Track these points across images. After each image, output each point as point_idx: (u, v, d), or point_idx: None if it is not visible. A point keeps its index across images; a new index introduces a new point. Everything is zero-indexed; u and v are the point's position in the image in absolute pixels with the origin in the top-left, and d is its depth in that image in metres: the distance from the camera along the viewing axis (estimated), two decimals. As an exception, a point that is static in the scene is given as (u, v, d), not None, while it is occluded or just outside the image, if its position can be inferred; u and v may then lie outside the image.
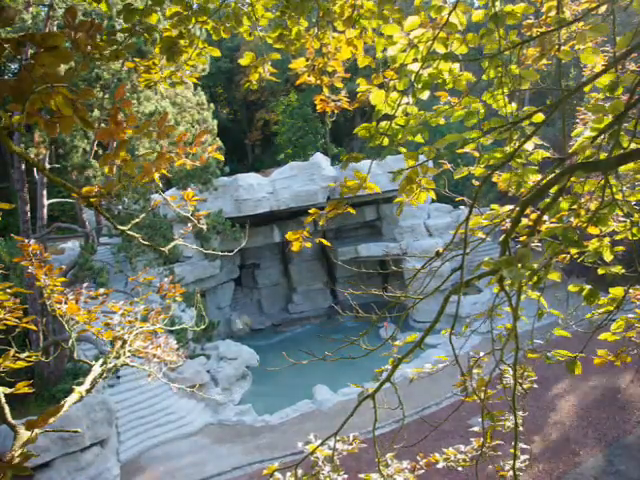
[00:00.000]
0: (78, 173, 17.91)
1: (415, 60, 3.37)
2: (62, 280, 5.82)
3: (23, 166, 18.29)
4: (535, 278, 3.20)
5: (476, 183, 3.86)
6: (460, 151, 3.67)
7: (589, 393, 17.51)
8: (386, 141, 3.46)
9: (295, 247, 3.78)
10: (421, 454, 4.30)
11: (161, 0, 3.11)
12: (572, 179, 3.37)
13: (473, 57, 3.67)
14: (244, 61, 3.73)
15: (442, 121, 3.69)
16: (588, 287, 3.49)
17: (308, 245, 3.70)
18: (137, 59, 3.46)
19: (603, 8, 3.89)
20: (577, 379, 17.97)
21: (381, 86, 3.48)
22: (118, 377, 19.23)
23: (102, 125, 15.50)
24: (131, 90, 17.95)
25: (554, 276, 3.17)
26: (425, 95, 3.46)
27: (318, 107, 4.59)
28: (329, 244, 4.29)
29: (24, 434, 3.77)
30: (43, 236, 18.94)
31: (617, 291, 3.73)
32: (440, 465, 4.32)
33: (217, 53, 3.62)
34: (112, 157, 2.66)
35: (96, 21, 2.37)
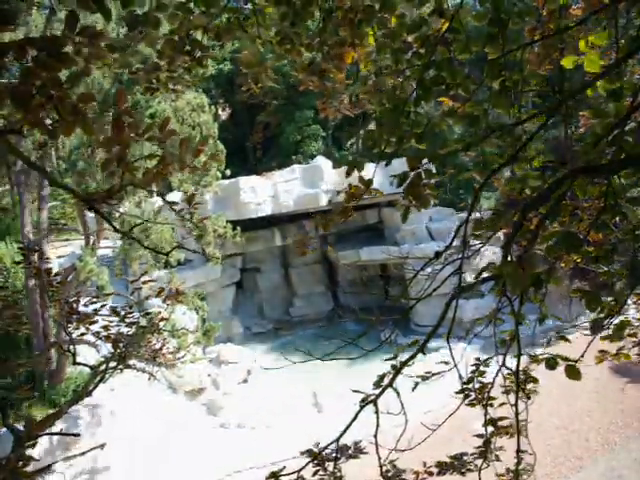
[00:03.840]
0: (79, 176, 17.91)
1: (417, 65, 3.37)
2: (62, 283, 5.81)
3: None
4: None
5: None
6: (471, 153, 3.66)
7: (591, 397, 17.45)
8: (389, 147, 3.45)
9: (301, 252, 3.78)
10: (424, 461, 4.28)
11: (164, 6, 3.11)
12: (575, 183, 3.35)
13: (475, 60, 3.67)
14: (244, 66, 3.73)
15: (444, 126, 3.68)
16: (589, 292, 3.48)
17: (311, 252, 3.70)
18: (138, 66, 3.46)
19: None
20: (578, 383, 17.91)
21: (382, 90, 3.48)
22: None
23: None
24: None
25: (554, 283, 3.16)
26: (429, 101, 3.45)
27: (321, 112, 4.59)
28: (332, 250, 4.30)
29: (25, 438, 3.76)
30: (44, 239, 18.92)
31: (618, 295, 3.71)
32: (443, 471, 4.30)
33: (216, 58, 3.62)
34: (113, 161, 2.66)
35: (98, 27, 2.37)
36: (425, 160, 3.42)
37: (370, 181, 3.40)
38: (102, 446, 16.14)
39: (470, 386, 4.19)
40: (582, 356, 3.47)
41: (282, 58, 3.89)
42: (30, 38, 2.13)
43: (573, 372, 3.14)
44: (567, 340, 3.66)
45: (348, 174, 3.48)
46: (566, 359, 3.22)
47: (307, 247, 3.63)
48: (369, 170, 3.89)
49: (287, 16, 3.45)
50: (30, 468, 3.72)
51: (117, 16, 15.18)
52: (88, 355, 19.03)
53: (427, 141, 3.49)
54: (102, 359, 5.80)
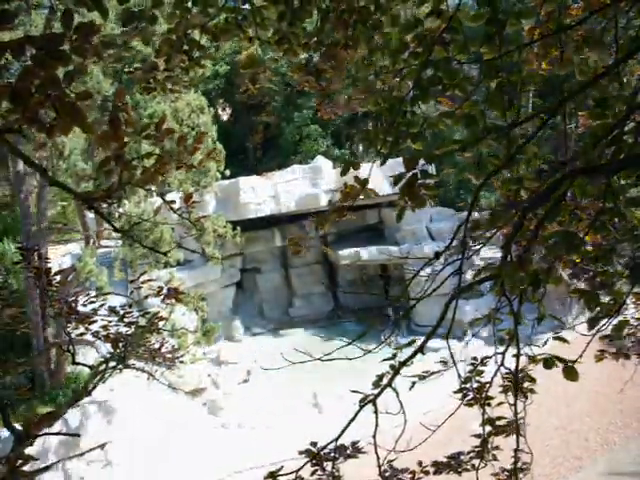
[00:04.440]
0: (79, 176, 17.93)
1: (414, 65, 3.36)
2: (62, 283, 5.81)
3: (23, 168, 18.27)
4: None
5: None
6: (468, 154, 3.66)
7: (590, 398, 17.45)
8: (385, 147, 3.45)
9: (296, 251, 3.78)
10: (422, 461, 4.27)
11: (161, 2, 3.11)
12: (574, 184, 3.35)
13: (473, 60, 3.66)
14: (243, 65, 3.74)
15: (442, 126, 3.67)
16: (588, 291, 3.47)
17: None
18: (136, 65, 3.46)
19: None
20: (578, 383, 17.90)
21: (374, 92, 3.47)
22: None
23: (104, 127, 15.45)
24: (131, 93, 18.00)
25: (553, 282, 3.15)
26: (426, 102, 3.45)
27: (319, 113, 4.58)
28: (331, 251, 4.32)
29: (24, 437, 3.76)
30: (44, 239, 18.93)
31: (618, 294, 3.71)
32: (439, 470, 4.30)
33: (215, 58, 3.62)
34: (111, 159, 2.66)
35: (96, 23, 2.37)
36: (422, 160, 3.42)
37: (366, 180, 3.40)
38: (103, 446, 16.13)
39: (468, 386, 4.19)
40: (580, 357, 3.46)
41: (278, 60, 3.90)
42: (28, 37, 2.13)
43: (571, 373, 3.14)
44: (565, 341, 3.65)
45: (343, 173, 3.48)
46: (564, 360, 3.22)
47: (302, 246, 3.61)
48: (367, 170, 3.89)
49: (285, 16, 3.45)
50: (29, 468, 3.71)
51: (116, 16, 15.22)
52: (88, 355, 19.05)
53: (424, 141, 3.48)
54: (102, 359, 5.79)
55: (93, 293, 6.07)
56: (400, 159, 3.35)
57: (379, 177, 22.75)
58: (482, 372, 4.22)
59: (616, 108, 3.42)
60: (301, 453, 3.79)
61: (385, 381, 3.78)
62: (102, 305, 5.79)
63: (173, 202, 3.58)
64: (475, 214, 3.79)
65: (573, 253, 3.35)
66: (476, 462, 4.22)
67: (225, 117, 42.87)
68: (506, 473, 4.28)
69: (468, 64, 3.54)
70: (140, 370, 6.53)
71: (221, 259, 22.08)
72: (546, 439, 15.19)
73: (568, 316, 21.08)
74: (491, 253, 22.71)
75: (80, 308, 5.78)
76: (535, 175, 3.77)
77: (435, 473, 4.28)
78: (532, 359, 3.69)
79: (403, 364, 3.75)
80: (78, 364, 6.40)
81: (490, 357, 4.03)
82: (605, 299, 3.58)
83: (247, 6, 3.56)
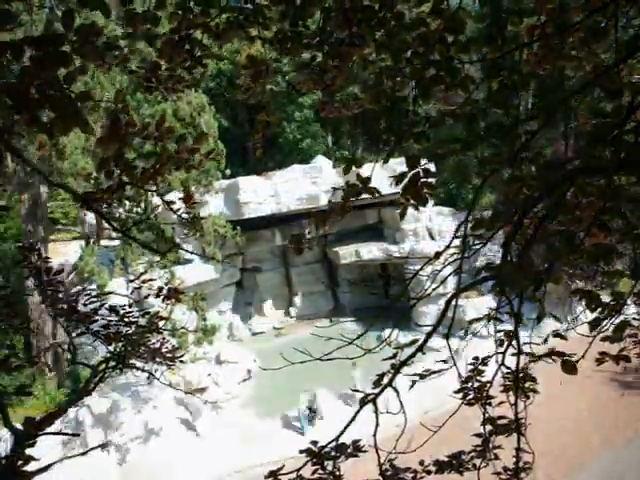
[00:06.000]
0: (80, 175, 17.94)
1: (417, 64, 3.36)
2: (62, 282, 5.81)
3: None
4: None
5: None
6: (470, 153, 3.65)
7: (591, 397, 17.43)
8: (388, 146, 3.45)
9: (297, 251, 3.78)
10: (424, 460, 4.27)
11: (163, 3, 3.10)
12: (574, 183, 3.34)
13: (475, 60, 3.65)
14: (243, 65, 3.73)
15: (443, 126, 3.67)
16: (589, 291, 3.47)
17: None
18: (137, 65, 3.45)
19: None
20: (580, 383, 17.90)
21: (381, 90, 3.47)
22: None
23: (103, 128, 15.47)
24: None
25: (553, 282, 3.15)
26: (428, 102, 3.44)
27: (321, 112, 4.58)
28: (331, 250, 4.30)
29: (24, 437, 3.75)
30: (44, 238, 18.94)
31: (619, 294, 3.70)
32: (441, 470, 4.29)
33: (219, 57, 3.61)
34: (111, 160, 2.65)
35: (97, 24, 2.37)
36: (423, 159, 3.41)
37: (368, 178, 3.39)
38: (103, 445, 16.15)
39: (469, 385, 4.19)
40: (583, 356, 3.46)
41: (280, 59, 3.89)
42: (27, 37, 2.12)
43: (569, 367, 3.14)
44: (564, 338, 3.65)
45: (346, 171, 3.47)
46: (562, 354, 3.22)
47: (303, 246, 3.60)
48: (368, 169, 3.88)
49: (287, 15, 3.44)
50: (29, 468, 3.71)
51: (117, 18, 15.22)
52: (88, 354, 19.02)
53: (426, 140, 3.48)
54: (102, 358, 5.79)
55: (94, 292, 6.07)
56: (399, 159, 3.35)
57: (379, 176, 22.62)
58: (483, 371, 4.22)
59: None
60: (302, 452, 3.78)
61: (385, 380, 3.77)
62: (102, 304, 5.78)
63: (173, 202, 3.57)
64: (476, 213, 3.79)
65: (573, 253, 3.34)
66: (477, 461, 4.22)
67: (225, 116, 42.83)
68: (509, 472, 4.28)
69: (469, 63, 3.53)
70: (140, 370, 6.52)
71: (222, 259, 22.08)
72: (548, 438, 15.18)
73: (569, 315, 21.07)
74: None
75: (80, 307, 5.77)
76: (542, 172, 3.76)
77: (437, 472, 4.27)
78: (532, 357, 3.69)
79: (403, 363, 3.74)
80: (78, 364, 6.40)
81: (491, 356, 4.03)
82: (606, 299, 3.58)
83: (249, 5, 3.55)
